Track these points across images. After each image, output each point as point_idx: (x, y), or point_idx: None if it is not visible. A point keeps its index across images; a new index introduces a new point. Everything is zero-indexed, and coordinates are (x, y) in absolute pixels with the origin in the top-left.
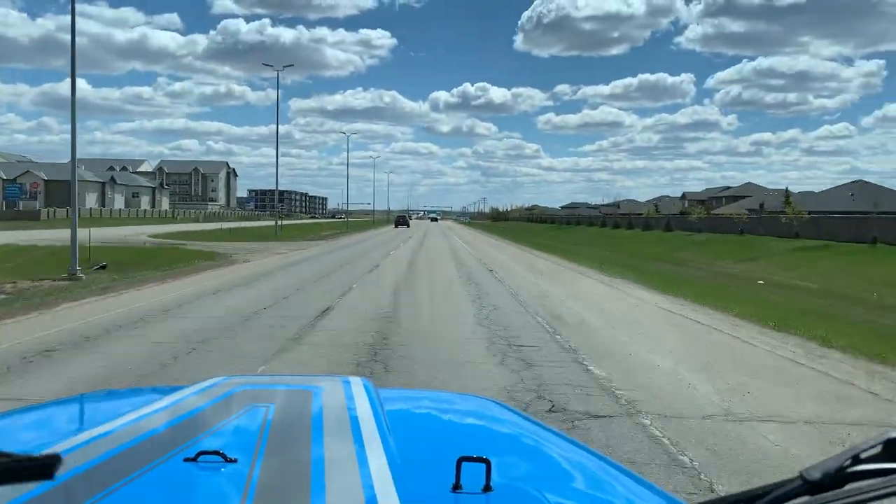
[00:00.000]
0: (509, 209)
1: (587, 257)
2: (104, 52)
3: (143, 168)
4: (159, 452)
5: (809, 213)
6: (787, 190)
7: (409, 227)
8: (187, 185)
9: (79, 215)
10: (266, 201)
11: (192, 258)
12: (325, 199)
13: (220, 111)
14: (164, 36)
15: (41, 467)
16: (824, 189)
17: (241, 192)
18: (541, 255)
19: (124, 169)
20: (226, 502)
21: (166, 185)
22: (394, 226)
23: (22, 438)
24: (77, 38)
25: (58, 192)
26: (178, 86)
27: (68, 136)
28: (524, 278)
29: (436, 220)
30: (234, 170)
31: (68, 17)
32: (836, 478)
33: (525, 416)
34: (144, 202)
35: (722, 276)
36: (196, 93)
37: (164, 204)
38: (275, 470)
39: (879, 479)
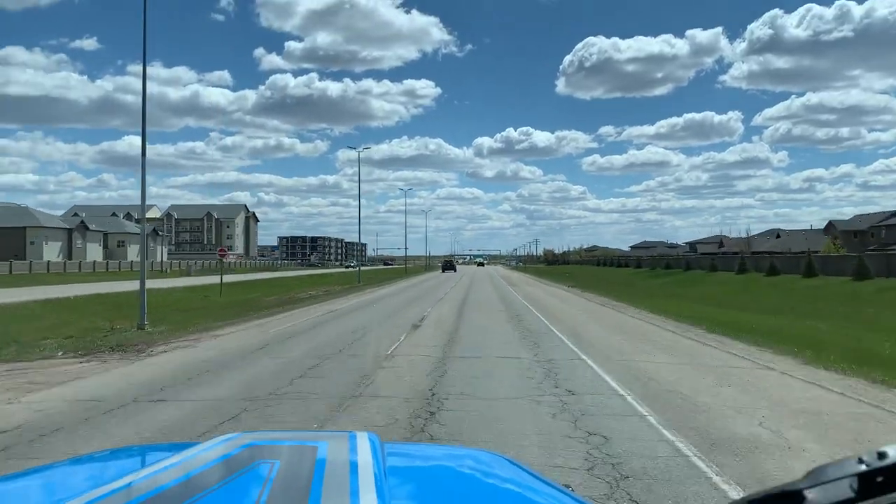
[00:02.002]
0: (567, 251)
1: None
2: (159, 110)
3: (150, 214)
4: None
5: None
6: None
7: (455, 271)
8: (199, 232)
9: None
10: (297, 248)
11: None
12: (365, 245)
13: (270, 163)
14: (216, 92)
15: None
16: None
17: (269, 240)
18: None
19: (128, 216)
20: None
21: (177, 231)
22: (441, 270)
23: (34, 499)
24: (132, 98)
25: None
26: (229, 140)
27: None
28: None
29: (482, 264)
30: (253, 214)
31: (125, 79)
32: None
33: (533, 473)
34: (132, 252)
35: None
36: (247, 146)
37: (160, 254)
38: None
39: None
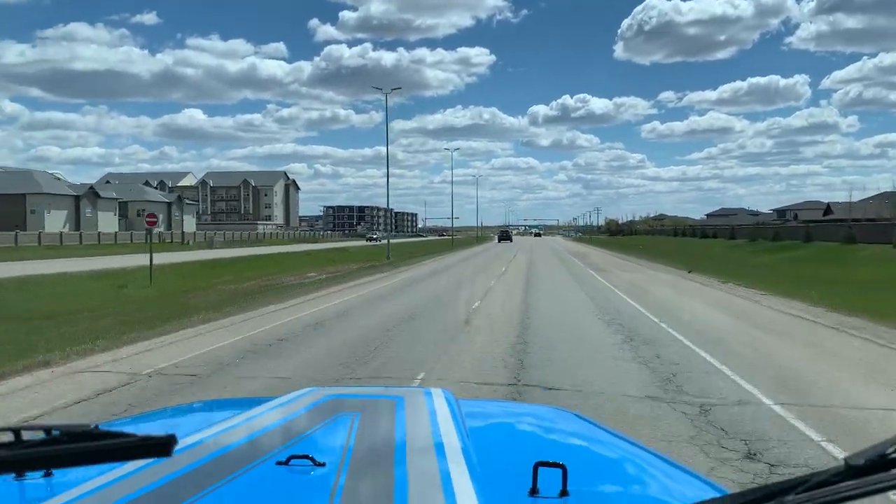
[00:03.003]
0: (633, 220)
1: None
2: (217, 83)
3: (184, 182)
4: (254, 456)
5: None
6: None
7: (511, 241)
8: (236, 201)
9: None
10: (344, 218)
11: None
12: (415, 215)
13: (326, 135)
14: (272, 64)
15: (160, 445)
16: None
17: (312, 210)
18: None
19: (161, 184)
20: (316, 503)
21: (213, 200)
22: (497, 241)
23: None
24: (192, 71)
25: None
26: (285, 112)
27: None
28: None
29: (539, 234)
30: (293, 181)
31: (184, 52)
32: (880, 463)
33: (602, 427)
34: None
35: None
36: (303, 118)
37: (188, 224)
38: (360, 474)
39: None
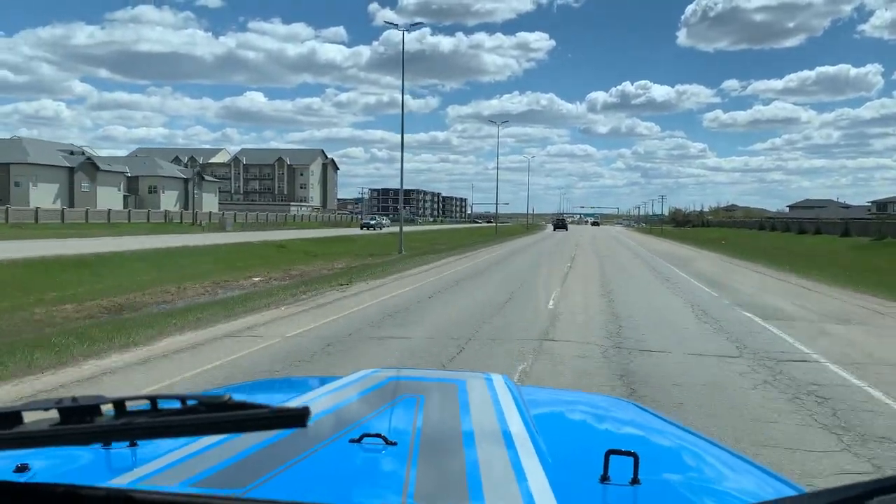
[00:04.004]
0: (701, 210)
1: None
2: (278, 67)
3: (217, 158)
4: (328, 434)
5: None
6: None
7: (566, 230)
8: (269, 180)
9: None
10: (388, 202)
11: None
12: (464, 200)
13: (382, 119)
14: (332, 49)
15: (296, 416)
16: None
17: (351, 192)
18: None
19: (192, 160)
20: (392, 480)
21: (246, 178)
22: (552, 229)
23: None
24: (253, 54)
25: None
26: (343, 96)
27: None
28: None
29: (597, 223)
30: (332, 160)
31: (246, 35)
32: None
33: (663, 417)
34: (167, 200)
35: None
36: (360, 102)
37: (209, 203)
38: (432, 455)
39: None
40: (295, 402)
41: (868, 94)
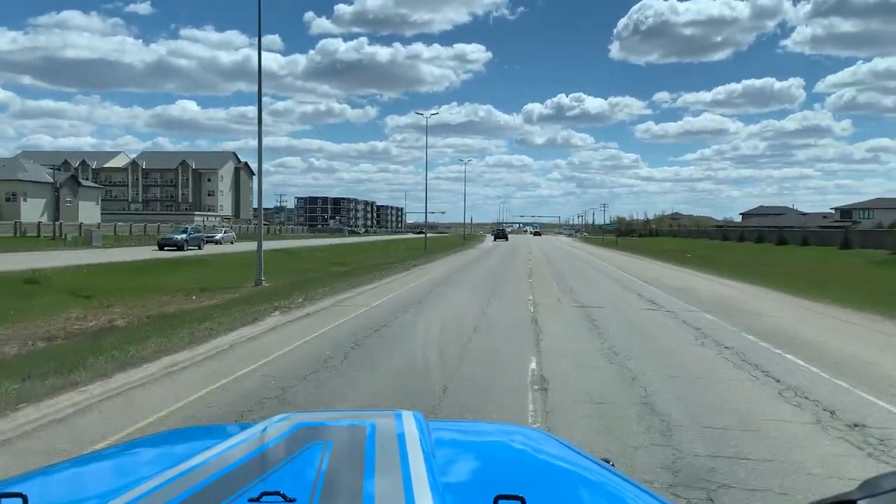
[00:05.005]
0: (646, 219)
1: None
2: (211, 74)
3: (113, 163)
4: (227, 493)
5: None
6: None
7: (507, 240)
8: (172, 187)
9: None
10: (317, 211)
11: None
12: (401, 209)
13: (320, 129)
14: (267, 57)
15: None
16: None
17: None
18: None
19: (83, 164)
20: None
21: (146, 185)
22: (493, 239)
23: (102, 480)
24: (186, 62)
25: None
26: (280, 105)
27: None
28: None
29: (538, 233)
30: (246, 164)
31: (178, 42)
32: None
33: (571, 447)
34: (33, 209)
35: None
36: (297, 111)
37: (88, 213)
38: None
39: None
40: (204, 456)
41: (791, 107)
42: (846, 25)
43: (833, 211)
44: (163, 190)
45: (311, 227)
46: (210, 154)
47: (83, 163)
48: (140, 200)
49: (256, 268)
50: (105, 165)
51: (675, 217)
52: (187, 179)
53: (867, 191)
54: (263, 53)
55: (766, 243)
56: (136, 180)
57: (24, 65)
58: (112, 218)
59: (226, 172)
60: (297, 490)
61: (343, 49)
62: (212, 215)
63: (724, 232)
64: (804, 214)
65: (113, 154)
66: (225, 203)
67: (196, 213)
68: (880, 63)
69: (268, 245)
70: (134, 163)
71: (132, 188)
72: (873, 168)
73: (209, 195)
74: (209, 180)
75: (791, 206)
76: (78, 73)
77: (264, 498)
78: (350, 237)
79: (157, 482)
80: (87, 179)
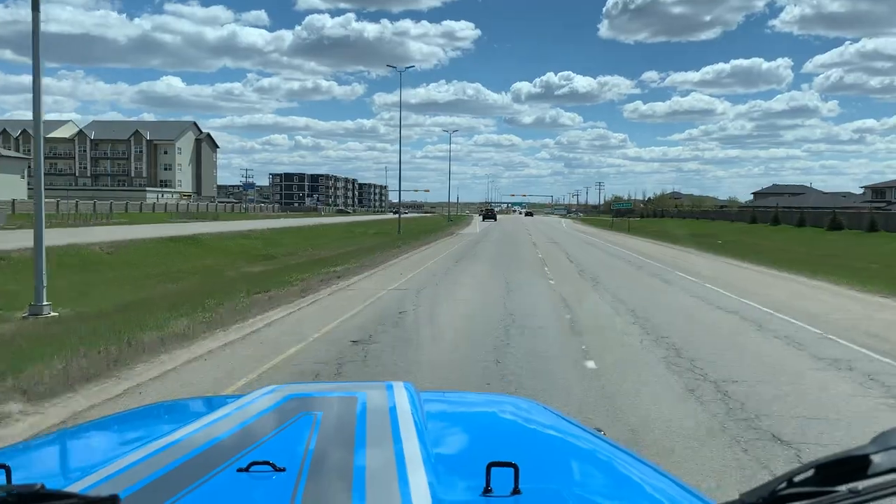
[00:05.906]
0: (646, 198)
1: None
2: (197, 50)
3: (59, 132)
4: (214, 464)
5: None
6: None
7: (496, 220)
8: (125, 160)
9: None
10: (293, 189)
11: None
12: (384, 187)
13: (307, 106)
14: (253, 33)
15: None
16: None
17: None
18: None
19: (24, 133)
20: None
21: (96, 157)
22: (481, 219)
23: (88, 452)
24: (171, 38)
25: None
26: (266, 82)
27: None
28: None
29: (530, 214)
30: (208, 135)
31: (163, 17)
32: (771, 500)
33: (562, 416)
34: None
35: None
36: (284, 88)
37: (9, 187)
38: (320, 478)
39: (810, 501)
40: (191, 428)
41: (779, 88)
42: (834, 6)
43: (860, 191)
44: (114, 163)
45: (286, 206)
46: (166, 123)
47: (24, 132)
48: (89, 174)
49: (35, 279)
50: (50, 135)
51: (676, 196)
52: (141, 152)
53: (851, 171)
54: (249, 29)
55: (784, 224)
56: (84, 152)
57: (3, 39)
58: (56, 195)
59: (184, 144)
60: (287, 460)
61: (330, 25)
62: (169, 191)
63: (736, 213)
64: (825, 194)
65: (59, 123)
66: (184, 178)
67: (147, 189)
68: (868, 43)
69: (184, 228)
70: (81, 133)
71: (79, 161)
72: (858, 149)
73: (166, 169)
74: (166, 153)
75: (809, 185)
76: (61, 49)
77: (253, 468)
78: (324, 217)
79: (144, 453)
80: (7, 148)
